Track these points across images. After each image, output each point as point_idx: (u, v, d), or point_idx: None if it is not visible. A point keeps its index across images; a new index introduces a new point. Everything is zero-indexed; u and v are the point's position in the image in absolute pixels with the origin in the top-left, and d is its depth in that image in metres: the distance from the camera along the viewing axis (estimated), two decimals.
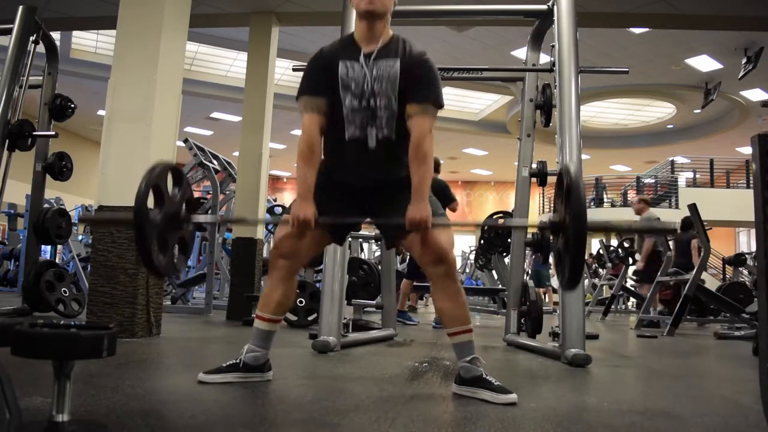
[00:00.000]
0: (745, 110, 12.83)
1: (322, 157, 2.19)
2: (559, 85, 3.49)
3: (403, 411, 1.82)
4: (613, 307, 9.80)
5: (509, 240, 5.27)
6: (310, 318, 4.73)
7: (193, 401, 1.91)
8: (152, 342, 3.29)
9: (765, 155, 1.60)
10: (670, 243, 7.08)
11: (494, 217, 6.99)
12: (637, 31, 9.08)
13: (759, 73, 9.71)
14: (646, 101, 13.85)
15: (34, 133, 4.18)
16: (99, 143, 3.70)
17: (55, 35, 5.72)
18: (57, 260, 8.20)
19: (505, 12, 4.53)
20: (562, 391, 2.44)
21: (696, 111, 13.30)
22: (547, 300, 8.89)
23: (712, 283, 8.62)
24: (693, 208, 5.74)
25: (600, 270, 11.88)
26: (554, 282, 10.77)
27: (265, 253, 6.25)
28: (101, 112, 7.55)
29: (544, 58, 4.27)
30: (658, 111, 14.52)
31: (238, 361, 2.19)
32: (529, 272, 8.77)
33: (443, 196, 5.39)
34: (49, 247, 8.84)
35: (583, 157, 3.44)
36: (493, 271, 8.11)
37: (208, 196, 6.89)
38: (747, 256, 8.89)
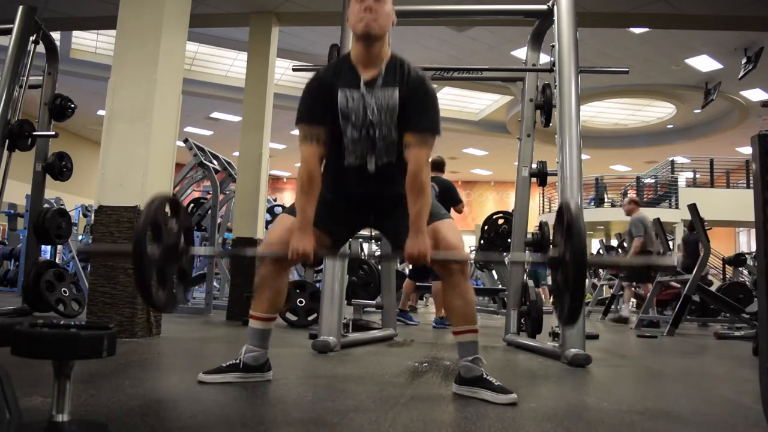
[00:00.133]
0: (745, 110, 12.83)
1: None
2: (559, 85, 3.49)
3: (403, 411, 1.82)
4: (613, 307, 9.80)
5: (509, 240, 5.27)
6: (310, 318, 4.73)
7: (193, 401, 1.91)
8: (152, 342, 3.29)
9: (765, 155, 1.60)
10: (670, 243, 7.09)
11: (494, 217, 6.99)
12: (637, 31, 9.08)
13: (759, 73, 9.71)
14: (646, 101, 13.85)
15: (34, 133, 4.18)
16: (99, 143, 3.70)
17: (55, 35, 5.72)
18: (57, 260, 8.20)
19: (505, 12, 4.53)
20: (562, 391, 2.44)
21: (696, 111, 13.30)
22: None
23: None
24: (693, 208, 5.74)
25: (600, 270, 11.88)
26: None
27: None
28: (101, 112, 7.55)
29: (544, 58, 4.27)
30: (658, 111, 14.52)
31: (237, 361, 2.19)
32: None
33: (450, 196, 5.40)
34: (49, 247, 8.83)
35: (583, 157, 3.44)
36: (493, 271, 8.12)
37: (208, 196, 6.88)
38: (747, 256, 8.89)
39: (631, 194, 8.83)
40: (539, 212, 18.02)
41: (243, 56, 9.77)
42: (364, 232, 5.45)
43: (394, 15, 2.14)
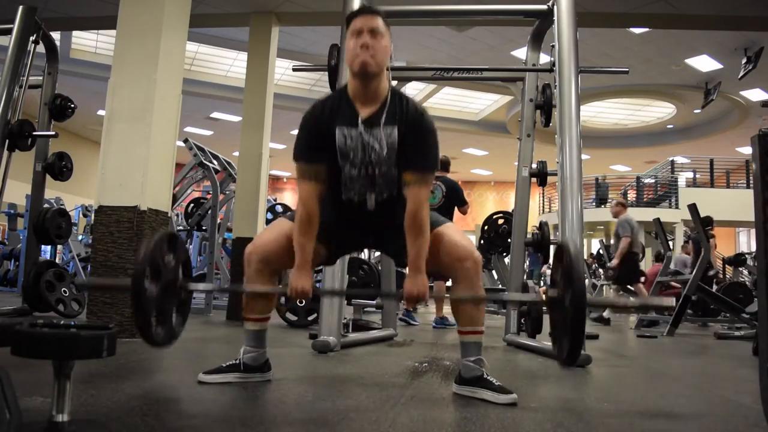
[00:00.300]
0: (745, 110, 12.83)
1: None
2: (559, 85, 3.49)
3: (403, 411, 1.82)
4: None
5: (509, 240, 5.27)
6: (310, 318, 4.73)
7: (193, 401, 1.91)
8: None
9: (765, 155, 1.60)
10: (671, 243, 7.10)
11: (494, 217, 6.99)
12: (637, 31, 9.08)
13: (759, 73, 9.71)
14: (646, 101, 13.85)
15: (34, 133, 4.18)
16: (99, 143, 3.70)
17: (55, 35, 5.72)
18: (57, 260, 8.20)
19: (505, 12, 4.53)
20: (562, 391, 2.44)
21: (696, 111, 13.30)
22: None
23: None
24: (693, 208, 5.74)
25: (600, 270, 11.88)
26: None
27: None
28: (101, 112, 7.55)
29: (544, 58, 4.27)
30: (658, 111, 14.52)
31: (237, 361, 2.19)
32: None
33: (455, 197, 5.39)
34: (49, 247, 8.84)
35: (583, 157, 3.44)
36: (493, 271, 8.12)
37: (208, 196, 6.89)
38: (747, 256, 8.89)
39: (619, 198, 8.94)
40: (539, 212, 18.03)
41: (243, 56, 9.77)
42: None
43: (392, 48, 2.11)
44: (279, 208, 7.57)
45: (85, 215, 9.59)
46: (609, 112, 14.93)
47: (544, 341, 3.54)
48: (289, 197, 20.23)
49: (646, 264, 11.93)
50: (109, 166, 3.59)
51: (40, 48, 4.30)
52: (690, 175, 18.12)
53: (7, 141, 3.94)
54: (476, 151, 17.75)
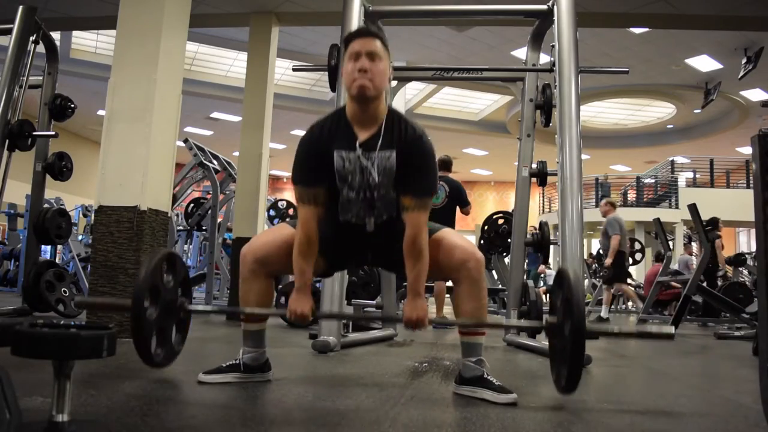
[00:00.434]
0: (745, 110, 12.83)
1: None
2: (559, 85, 3.48)
3: (403, 411, 1.82)
4: (613, 307, 9.79)
5: (509, 240, 5.27)
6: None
7: (193, 401, 1.91)
8: None
9: (765, 155, 1.60)
10: (671, 243, 7.10)
11: (494, 217, 6.99)
12: (637, 31, 9.08)
13: (759, 73, 9.71)
14: (646, 101, 13.85)
15: (34, 133, 4.18)
16: (99, 143, 3.70)
17: (55, 35, 5.72)
18: (57, 260, 8.20)
19: (505, 12, 4.52)
20: None
21: (696, 111, 13.30)
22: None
23: None
24: (693, 208, 5.74)
25: (600, 270, 11.87)
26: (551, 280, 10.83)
27: None
28: (101, 112, 7.55)
29: (544, 58, 4.27)
30: (658, 111, 14.52)
31: (237, 361, 2.19)
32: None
33: (458, 197, 5.39)
34: (49, 247, 8.83)
35: (583, 157, 3.44)
36: (493, 271, 8.11)
37: (208, 196, 6.89)
38: (747, 256, 8.89)
39: (607, 199, 9.02)
40: (539, 212, 18.03)
41: (243, 56, 9.77)
42: None
43: (391, 70, 2.09)
44: (283, 204, 7.58)
45: (85, 215, 9.58)
46: (609, 112, 14.93)
47: (544, 341, 3.54)
48: (289, 197, 20.21)
49: (646, 264, 11.93)
50: (109, 166, 3.59)
51: (40, 48, 4.30)
52: (690, 175, 18.11)
53: (7, 141, 3.94)
54: (476, 151, 17.75)
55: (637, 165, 18.69)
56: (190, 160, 6.16)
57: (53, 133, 4.42)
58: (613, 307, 9.80)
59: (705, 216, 6.09)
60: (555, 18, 3.61)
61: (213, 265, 6.17)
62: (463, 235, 2.18)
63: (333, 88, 3.77)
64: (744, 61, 9.62)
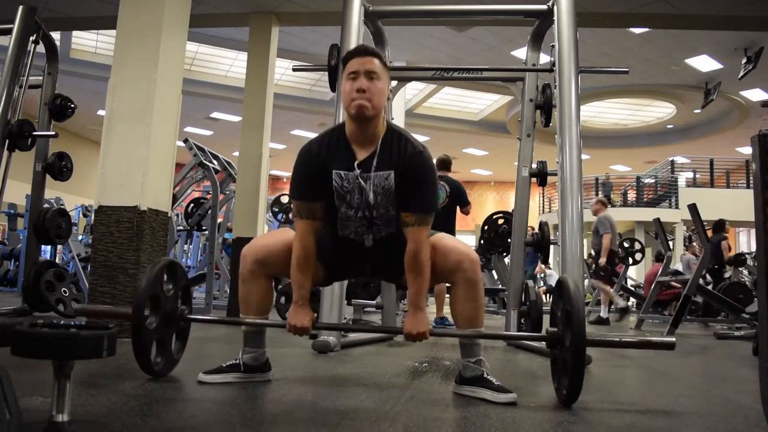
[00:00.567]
0: (745, 110, 12.83)
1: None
2: (559, 85, 3.48)
3: (403, 411, 1.82)
4: (613, 307, 9.79)
5: (509, 240, 5.27)
6: None
7: (193, 401, 1.91)
8: None
9: (765, 155, 1.60)
10: (671, 243, 7.11)
11: (494, 217, 6.99)
12: (637, 31, 9.08)
13: (759, 73, 9.71)
14: (646, 101, 13.85)
15: (34, 133, 4.17)
16: (99, 143, 3.70)
17: (55, 35, 5.72)
18: (57, 260, 8.20)
19: (505, 12, 4.52)
20: None
21: (696, 111, 13.31)
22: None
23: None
24: (693, 208, 5.74)
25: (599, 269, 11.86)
26: (553, 279, 10.88)
27: None
28: (101, 112, 7.55)
29: (544, 58, 4.27)
30: (658, 111, 14.52)
31: (237, 361, 2.19)
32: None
33: (459, 197, 5.39)
34: (49, 247, 8.84)
35: (583, 157, 3.44)
36: (493, 271, 8.12)
37: (208, 196, 6.89)
38: (747, 256, 8.89)
39: (600, 197, 9.05)
40: (539, 212, 18.02)
41: (243, 56, 9.78)
42: None
43: (390, 89, 2.09)
44: (285, 198, 7.59)
45: (85, 215, 9.58)
46: (609, 112, 14.93)
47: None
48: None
49: (646, 264, 11.93)
50: (109, 166, 3.59)
51: (40, 48, 4.30)
52: (690, 175, 18.12)
53: (7, 141, 3.94)
54: (476, 151, 17.75)
55: (637, 165, 18.69)
56: (190, 160, 6.15)
57: (53, 133, 4.42)
58: (613, 307, 9.79)
59: (705, 216, 6.08)
60: (555, 18, 3.61)
61: (213, 265, 6.16)
62: (458, 238, 2.18)
63: (333, 88, 3.77)
64: (744, 61, 9.62)
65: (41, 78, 4.49)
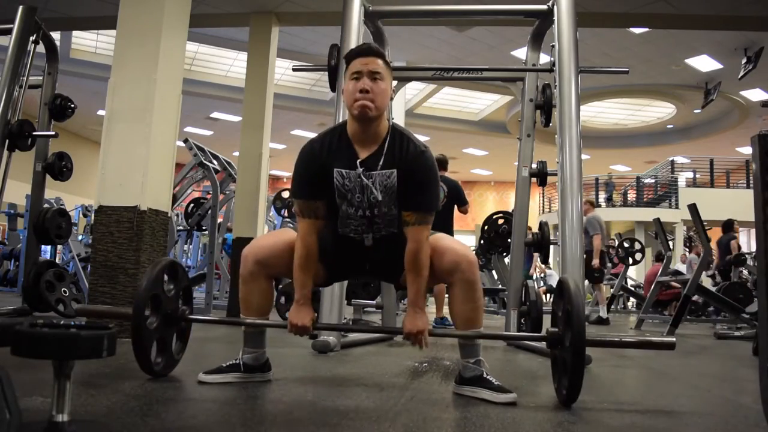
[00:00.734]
0: (745, 110, 12.83)
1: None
2: (559, 85, 3.48)
3: (403, 411, 1.82)
4: (612, 307, 9.80)
5: (509, 240, 5.27)
6: None
7: (193, 401, 1.91)
8: None
9: (765, 155, 1.60)
10: (671, 243, 7.10)
11: (494, 217, 6.99)
12: (637, 31, 9.08)
13: (759, 73, 9.71)
14: (646, 101, 13.85)
15: (34, 133, 4.17)
16: (99, 143, 3.70)
17: (55, 35, 5.71)
18: (57, 260, 8.20)
19: (505, 12, 4.52)
20: None
21: (696, 111, 13.31)
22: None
23: (705, 282, 8.63)
24: (693, 208, 5.74)
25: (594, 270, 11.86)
26: (552, 279, 10.85)
27: None
28: (101, 112, 7.55)
29: (544, 58, 4.27)
30: (658, 111, 14.52)
31: (237, 361, 2.19)
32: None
33: (457, 197, 5.39)
34: (49, 247, 8.84)
35: (583, 157, 3.44)
36: (493, 271, 8.12)
37: (208, 196, 6.89)
38: (747, 256, 8.89)
39: (589, 197, 9.07)
40: (539, 212, 18.03)
41: (243, 56, 9.78)
42: None
43: (393, 87, 2.08)
44: (287, 193, 7.60)
45: (85, 215, 9.59)
46: (609, 112, 14.93)
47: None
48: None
49: (646, 264, 11.93)
50: (109, 166, 3.59)
51: (40, 48, 4.30)
52: (690, 175, 18.12)
53: (7, 141, 3.94)
54: (476, 151, 17.75)
55: (637, 165, 18.70)
56: (190, 160, 6.15)
57: (53, 133, 4.42)
58: (613, 307, 9.80)
59: (705, 216, 6.08)
60: (555, 18, 3.61)
61: (213, 265, 6.16)
62: (455, 238, 2.18)
63: (333, 88, 3.77)
64: (744, 61, 9.62)
65: (41, 78, 4.49)
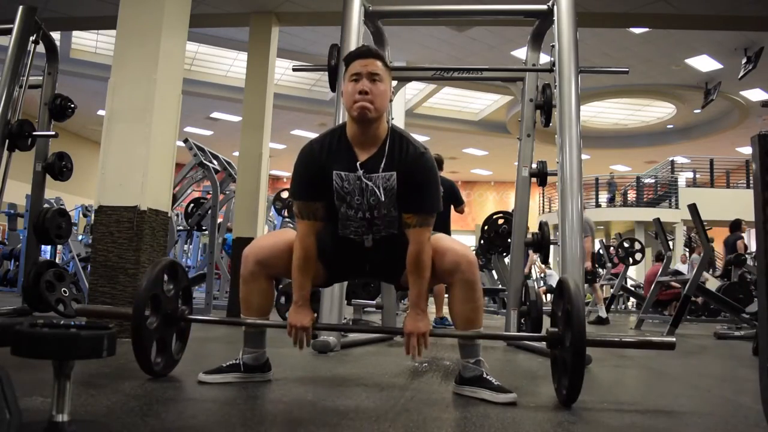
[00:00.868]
0: (745, 110, 12.84)
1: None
2: (559, 85, 3.48)
3: (403, 411, 1.82)
4: (613, 307, 9.80)
5: (509, 240, 5.26)
6: None
7: (193, 401, 1.91)
8: None
9: (765, 155, 1.60)
10: (671, 243, 7.10)
11: (494, 217, 6.99)
12: (637, 31, 9.08)
13: (759, 73, 9.72)
14: (646, 101, 13.86)
15: (34, 133, 4.17)
16: (99, 143, 3.70)
17: (55, 35, 5.71)
18: (57, 260, 8.20)
19: (505, 12, 4.52)
20: None
21: (696, 111, 13.31)
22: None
23: (712, 282, 8.62)
24: (693, 208, 5.74)
25: (600, 270, 11.87)
26: (552, 279, 10.87)
27: None
28: (101, 112, 7.55)
29: (544, 58, 4.27)
30: (658, 111, 14.52)
31: (237, 361, 2.19)
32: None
33: (453, 196, 5.39)
34: (49, 247, 8.84)
35: (583, 157, 3.44)
36: (493, 271, 8.12)
37: (208, 196, 6.89)
38: (747, 256, 8.89)
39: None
40: (539, 212, 18.03)
41: (243, 56, 9.78)
42: None
43: (392, 90, 2.08)
44: (286, 194, 7.60)
45: (85, 215, 9.59)
46: (609, 112, 14.93)
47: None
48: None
49: (646, 264, 11.94)
50: (109, 166, 3.59)
51: (40, 48, 4.30)
52: (690, 175, 18.13)
53: (7, 141, 3.94)
54: (476, 151, 17.76)
55: (637, 165, 18.70)
56: (190, 160, 6.15)
57: (53, 133, 4.42)
58: (613, 307, 9.80)
59: (705, 216, 6.08)
60: (555, 18, 3.61)
61: (213, 265, 6.16)
62: (455, 238, 2.18)
63: (333, 88, 3.77)
64: (744, 61, 9.62)
65: (41, 78, 4.49)
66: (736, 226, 7.89)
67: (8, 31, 4.08)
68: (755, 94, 11.87)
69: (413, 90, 13.11)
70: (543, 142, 6.06)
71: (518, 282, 4.16)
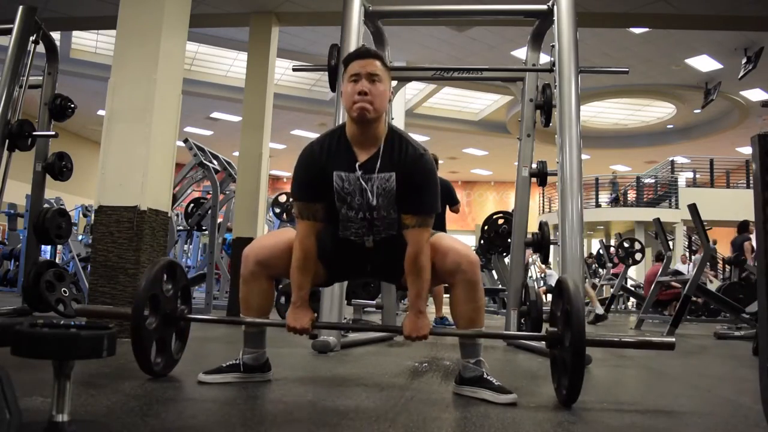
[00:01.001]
0: (745, 110, 12.84)
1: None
2: (559, 85, 3.48)
3: (403, 411, 1.82)
4: (613, 307, 9.80)
5: (509, 240, 5.27)
6: None
7: (193, 401, 1.91)
8: None
9: (765, 155, 1.60)
10: (671, 243, 7.09)
11: (494, 217, 7.00)
12: (638, 31, 9.08)
13: (759, 73, 9.71)
14: (646, 101, 13.86)
15: (34, 133, 4.17)
16: (99, 143, 3.70)
17: (55, 35, 5.71)
18: (57, 260, 8.20)
19: (505, 12, 4.52)
20: None
21: (696, 111, 13.31)
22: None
23: (717, 285, 8.63)
24: (693, 208, 5.74)
25: (600, 270, 11.88)
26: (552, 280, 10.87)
27: None
28: (101, 112, 7.55)
29: (544, 58, 4.27)
30: (658, 111, 14.52)
31: (237, 361, 2.19)
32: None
33: (448, 196, 5.39)
34: (49, 247, 8.84)
35: (583, 157, 3.44)
36: (493, 271, 8.12)
37: (208, 196, 6.89)
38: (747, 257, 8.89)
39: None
40: (539, 212, 18.03)
41: (243, 56, 9.78)
42: None
43: (391, 90, 2.08)
44: (283, 197, 7.60)
45: (85, 215, 9.59)
46: (609, 112, 14.93)
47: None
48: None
49: (646, 264, 11.94)
50: (109, 166, 3.59)
51: (40, 48, 4.30)
52: (690, 175, 18.13)
53: (7, 141, 3.94)
54: (476, 151, 17.76)
55: (637, 165, 18.70)
56: (190, 160, 6.15)
57: (53, 133, 4.42)
58: (613, 307, 9.80)
59: (705, 216, 6.08)
60: (555, 18, 3.61)
61: (213, 265, 6.17)
62: (456, 238, 2.18)
63: (333, 88, 3.77)
64: (744, 61, 9.62)
65: (41, 78, 4.49)
66: (744, 227, 7.87)
67: (8, 31, 4.08)
68: (755, 94, 11.87)
69: (413, 90, 13.11)
70: (543, 142, 6.06)
71: (518, 282, 4.16)
